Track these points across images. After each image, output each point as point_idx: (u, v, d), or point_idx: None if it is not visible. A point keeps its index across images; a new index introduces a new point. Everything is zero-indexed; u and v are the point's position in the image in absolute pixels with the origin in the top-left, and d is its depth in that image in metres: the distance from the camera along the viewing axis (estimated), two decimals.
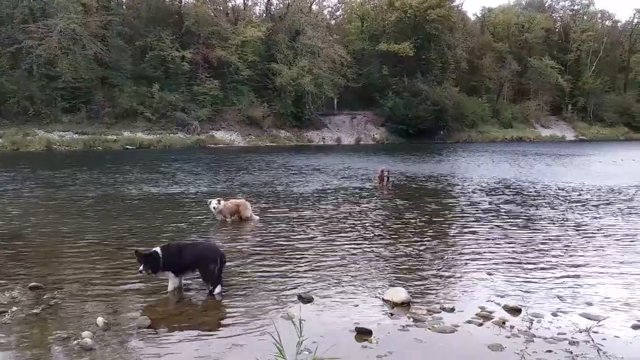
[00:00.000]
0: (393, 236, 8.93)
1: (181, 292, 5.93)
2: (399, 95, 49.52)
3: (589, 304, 5.55)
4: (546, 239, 8.66)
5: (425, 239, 8.61)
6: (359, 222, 10.08)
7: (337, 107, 50.99)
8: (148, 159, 26.81)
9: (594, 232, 9.31)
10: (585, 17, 72.36)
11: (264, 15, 52.44)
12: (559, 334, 4.77)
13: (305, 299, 5.61)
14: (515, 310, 5.31)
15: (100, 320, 4.88)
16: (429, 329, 4.86)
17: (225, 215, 10.02)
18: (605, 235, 9.01)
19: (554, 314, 5.23)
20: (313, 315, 5.17)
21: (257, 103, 44.54)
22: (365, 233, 9.11)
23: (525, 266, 6.99)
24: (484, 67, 61.22)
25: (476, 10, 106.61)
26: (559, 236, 8.93)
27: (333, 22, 62.27)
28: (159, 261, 5.73)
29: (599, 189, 15.28)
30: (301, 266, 6.92)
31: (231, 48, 43.52)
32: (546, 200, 13.12)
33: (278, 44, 46.48)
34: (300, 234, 8.97)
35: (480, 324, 5.00)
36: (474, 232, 9.21)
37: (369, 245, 8.13)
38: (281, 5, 52.05)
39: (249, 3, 53.41)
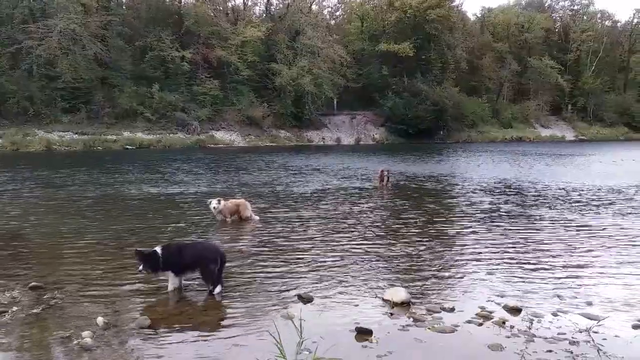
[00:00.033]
0: (393, 236, 8.93)
1: (181, 292, 5.93)
2: (398, 95, 49.55)
3: (589, 304, 5.55)
4: (546, 239, 8.65)
5: (425, 239, 8.60)
6: (359, 222, 10.08)
7: (337, 107, 51.02)
8: (148, 159, 26.81)
9: (594, 232, 9.30)
10: (585, 17, 72.42)
11: (264, 15, 52.49)
12: (559, 333, 4.77)
13: (305, 299, 5.60)
14: (515, 310, 5.31)
15: (100, 320, 4.88)
16: (429, 328, 4.86)
17: (225, 215, 10.02)
18: (605, 235, 9.00)
19: (554, 314, 5.23)
20: (313, 315, 5.16)
21: (257, 103, 44.58)
22: (365, 233, 9.11)
23: (525, 266, 6.98)
24: (483, 67, 61.27)
25: (476, 10, 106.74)
26: (559, 236, 8.93)
27: (333, 22, 62.34)
28: (159, 261, 5.73)
29: (599, 189, 15.28)
30: (301, 266, 6.91)
31: (231, 48, 43.56)
32: (546, 200, 13.12)
33: (278, 44, 46.51)
34: (300, 234, 8.96)
35: (480, 324, 5.00)
36: (474, 232, 9.21)
37: (369, 245, 8.13)
38: (281, 5, 52.11)
39: (249, 3, 53.52)
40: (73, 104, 37.99)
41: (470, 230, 9.43)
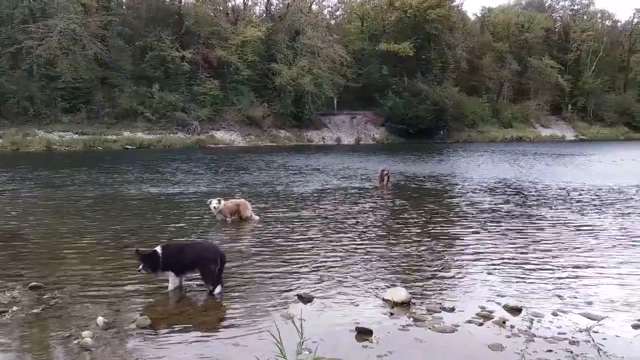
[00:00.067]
0: (393, 236, 8.93)
1: (181, 292, 5.93)
2: (398, 95, 49.54)
3: (589, 304, 5.55)
4: (546, 239, 8.65)
5: (425, 239, 8.60)
6: (358, 222, 10.08)
7: (337, 107, 51.01)
8: (148, 159, 26.80)
9: (594, 232, 9.30)
10: (585, 17, 72.39)
11: (264, 15, 52.47)
12: (559, 333, 4.77)
13: (305, 299, 5.61)
14: (515, 310, 5.31)
15: (100, 320, 4.88)
16: (429, 328, 4.86)
17: (225, 215, 10.02)
18: (605, 235, 9.00)
19: (554, 314, 5.23)
20: (313, 315, 5.16)
21: (257, 103, 44.56)
22: (365, 233, 9.11)
23: (525, 266, 6.98)
24: (484, 67, 61.26)
25: (476, 10, 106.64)
26: (559, 236, 8.93)
27: (333, 22, 62.31)
28: (159, 261, 5.73)
29: (599, 189, 15.28)
30: (301, 266, 6.91)
31: (231, 48, 43.54)
32: (546, 200, 13.12)
33: (278, 44, 46.50)
34: (300, 234, 8.96)
35: (481, 324, 5.00)
36: (474, 232, 9.21)
37: (369, 245, 8.13)
38: (281, 5, 52.09)
39: (249, 3, 53.50)
40: (73, 104, 37.97)
41: (471, 230, 9.43)
